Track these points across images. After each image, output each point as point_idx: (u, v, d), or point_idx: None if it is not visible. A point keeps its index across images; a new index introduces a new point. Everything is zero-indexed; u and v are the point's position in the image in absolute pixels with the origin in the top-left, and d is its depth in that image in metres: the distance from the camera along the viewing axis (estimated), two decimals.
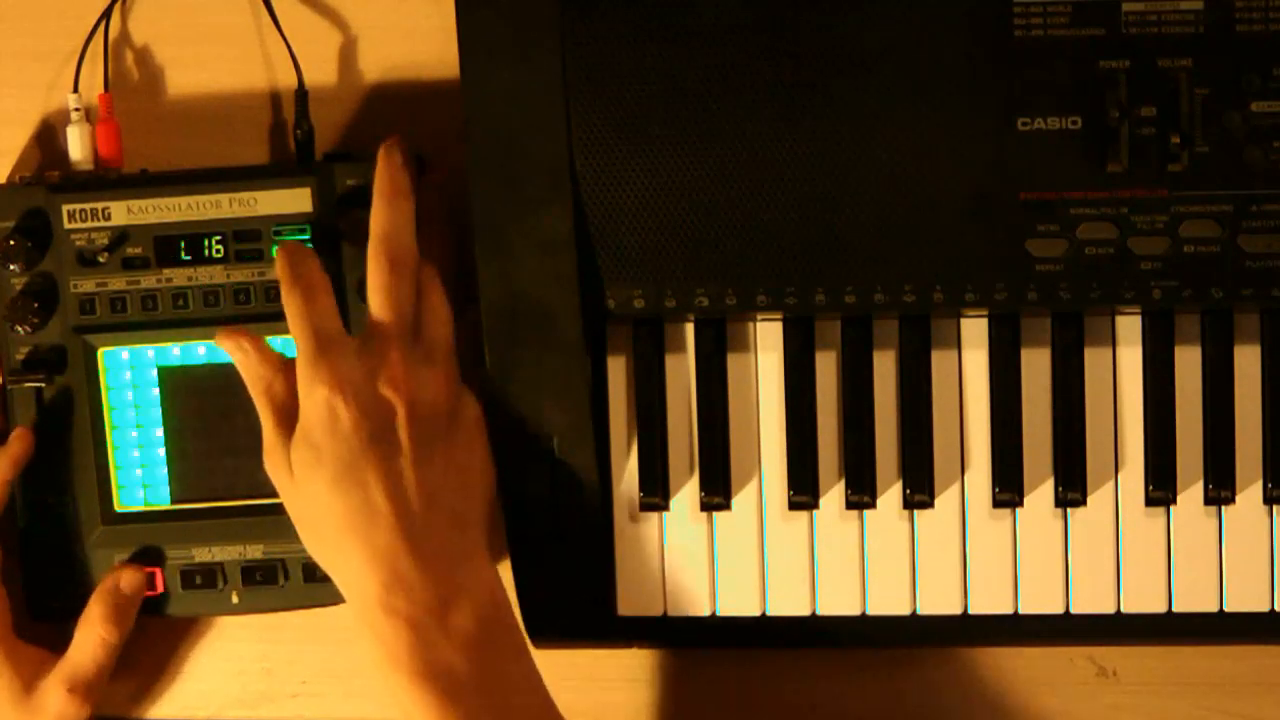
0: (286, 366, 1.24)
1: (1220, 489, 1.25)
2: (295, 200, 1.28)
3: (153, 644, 1.37)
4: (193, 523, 1.31)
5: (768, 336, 1.28)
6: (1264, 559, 1.25)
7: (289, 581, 1.31)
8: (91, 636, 1.29)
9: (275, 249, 1.25)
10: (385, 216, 1.23)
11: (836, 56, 1.22)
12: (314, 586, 1.30)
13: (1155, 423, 1.25)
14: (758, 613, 1.28)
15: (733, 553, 1.28)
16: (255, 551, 1.31)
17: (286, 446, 1.22)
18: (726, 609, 1.28)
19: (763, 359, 1.28)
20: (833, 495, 1.28)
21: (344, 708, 1.37)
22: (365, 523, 1.19)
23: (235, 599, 1.31)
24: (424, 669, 1.18)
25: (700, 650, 1.31)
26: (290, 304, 1.22)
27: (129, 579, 1.30)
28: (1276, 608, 1.25)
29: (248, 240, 1.29)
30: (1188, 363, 1.25)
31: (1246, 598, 1.25)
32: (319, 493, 1.20)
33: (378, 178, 1.24)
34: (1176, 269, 1.23)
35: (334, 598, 1.29)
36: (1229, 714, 1.30)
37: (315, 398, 1.20)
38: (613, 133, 1.24)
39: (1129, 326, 1.26)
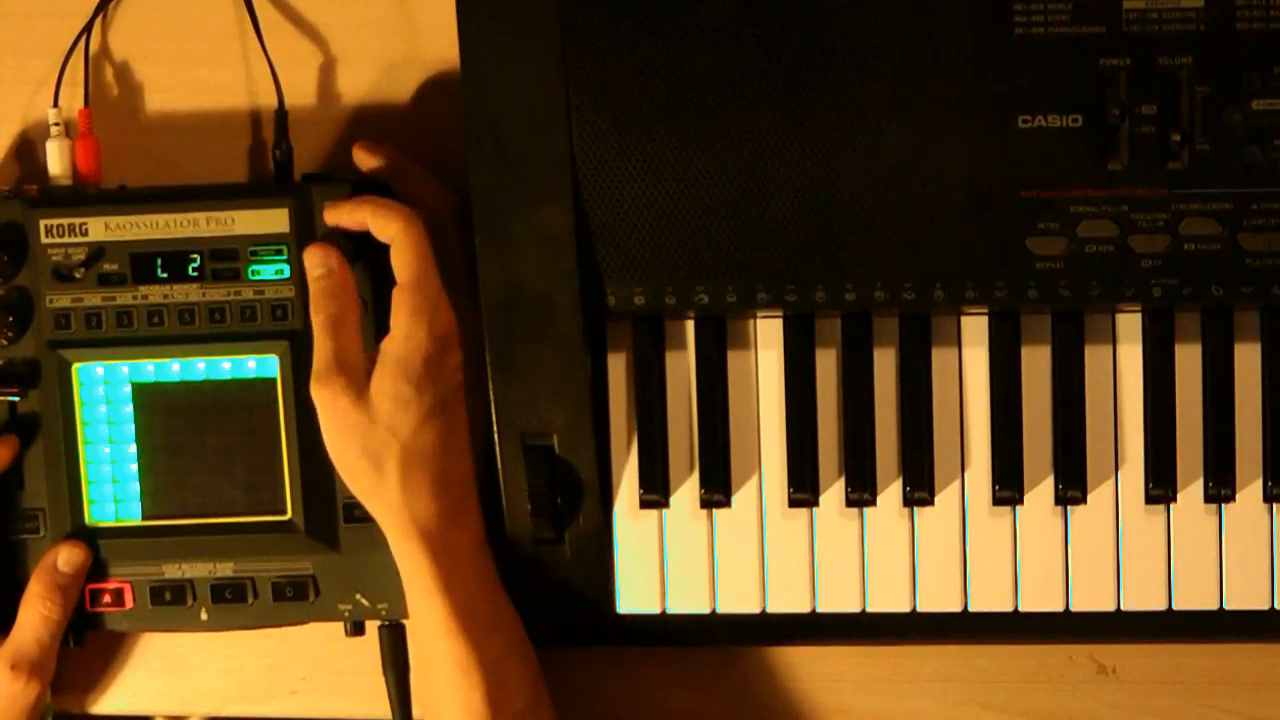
0: (355, 305, 1.25)
1: (1220, 487, 1.25)
2: (272, 220, 1.28)
3: (154, 640, 1.38)
4: (163, 539, 1.31)
5: (768, 334, 1.28)
6: (1264, 557, 1.25)
7: (258, 600, 1.31)
8: (33, 615, 1.29)
9: (307, 248, 1.26)
10: (418, 266, 1.24)
11: (837, 54, 1.23)
12: (283, 605, 1.30)
13: (1155, 420, 1.25)
14: (758, 610, 1.28)
15: (733, 550, 1.28)
16: (225, 569, 1.31)
17: (340, 377, 1.23)
18: (726, 606, 1.28)
19: (763, 356, 1.28)
20: (833, 492, 1.28)
21: (344, 704, 1.37)
22: (454, 452, 1.24)
23: (204, 616, 1.31)
24: (470, 589, 1.25)
25: (700, 647, 1.31)
26: (316, 333, 1.25)
27: (67, 556, 1.30)
28: (1276, 606, 1.25)
29: (224, 259, 1.29)
30: (1188, 361, 1.26)
31: (1246, 596, 1.25)
32: (406, 423, 1.22)
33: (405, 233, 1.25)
34: (1177, 267, 1.23)
35: (301, 616, 1.30)
36: (1229, 712, 1.30)
37: (418, 337, 1.23)
38: (613, 129, 1.24)
39: (1129, 324, 1.26)
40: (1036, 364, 1.26)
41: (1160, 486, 1.25)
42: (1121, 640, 1.29)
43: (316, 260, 1.25)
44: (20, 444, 1.31)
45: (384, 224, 1.24)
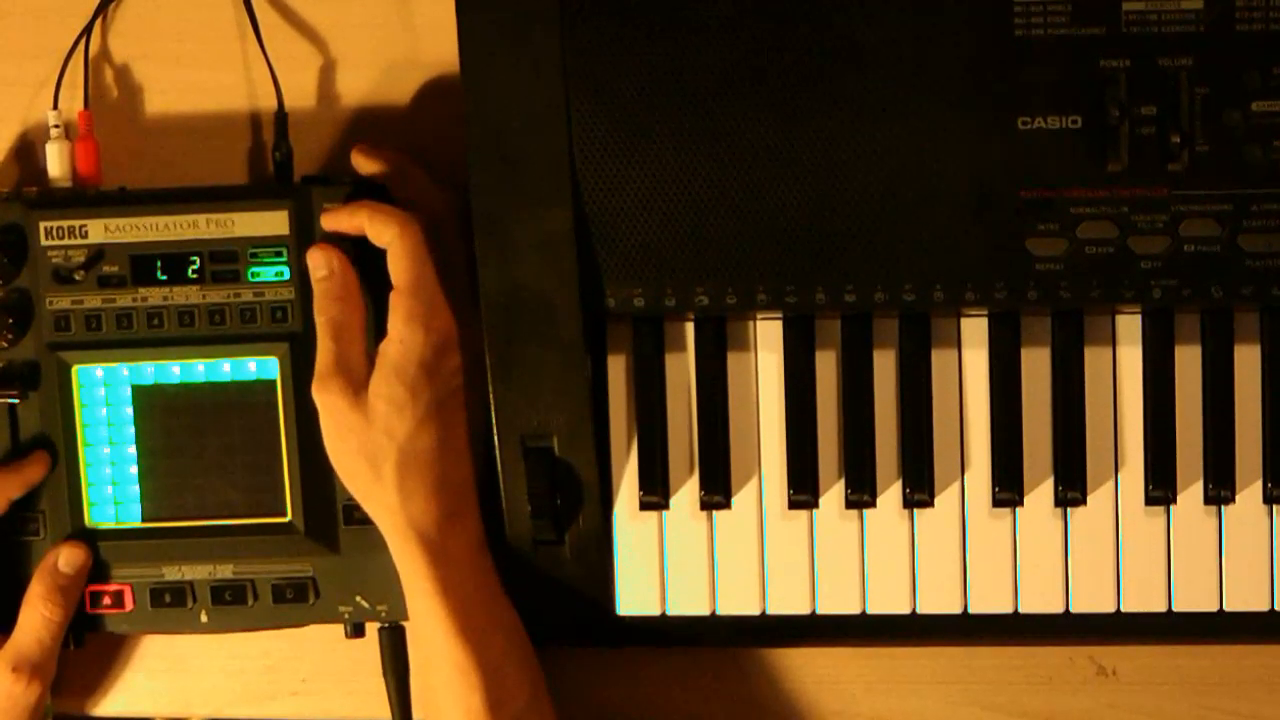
0: (358, 307, 1.25)
1: (1220, 488, 1.25)
2: (272, 222, 1.28)
3: (154, 641, 1.38)
4: (163, 541, 1.31)
5: (768, 335, 1.28)
6: (1264, 558, 1.25)
7: (258, 601, 1.31)
8: (34, 616, 1.30)
9: (309, 250, 1.26)
10: (414, 271, 1.24)
11: (836, 55, 1.22)
12: (283, 607, 1.30)
13: (1155, 422, 1.25)
14: (757, 611, 1.28)
15: (733, 551, 1.28)
16: (225, 571, 1.31)
17: (339, 379, 1.24)
18: (726, 608, 1.28)
19: (763, 358, 1.28)
20: (832, 494, 1.28)
21: (344, 706, 1.37)
22: (452, 454, 1.24)
23: (204, 618, 1.31)
24: (467, 591, 1.25)
25: (700, 649, 1.31)
26: (319, 335, 1.25)
27: (68, 557, 1.30)
28: (1276, 607, 1.25)
29: (224, 261, 1.29)
30: (1187, 362, 1.25)
31: (1246, 597, 1.25)
32: (402, 426, 1.23)
33: (402, 240, 1.24)
34: (1176, 268, 1.23)
35: (301, 618, 1.30)
36: (1229, 713, 1.30)
37: (414, 341, 1.23)
38: (613, 131, 1.24)
39: (1129, 325, 1.26)
40: (1036, 365, 1.26)
41: (1160, 488, 1.25)
42: (1121, 641, 1.29)
43: (319, 262, 1.26)
44: (10, 452, 1.31)
45: (381, 229, 1.24)
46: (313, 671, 1.37)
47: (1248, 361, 1.25)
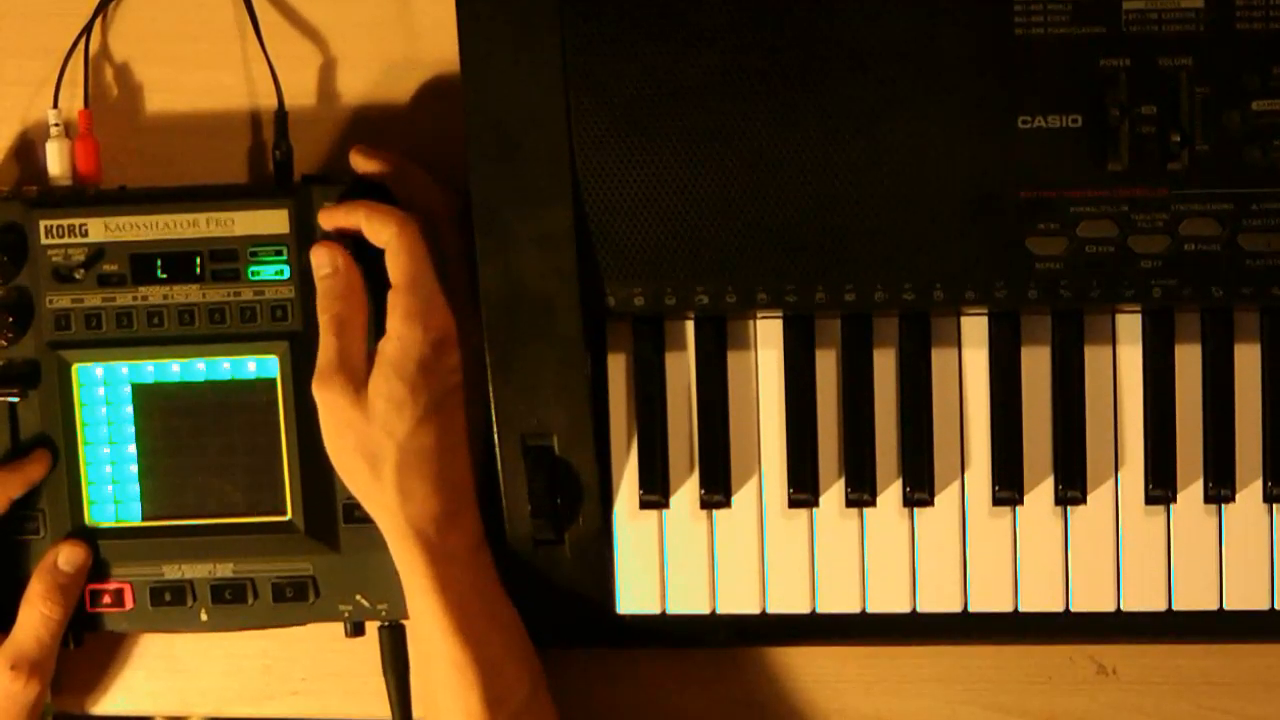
0: (361, 305, 1.25)
1: (1220, 487, 1.25)
2: (273, 221, 1.28)
3: (153, 641, 1.38)
4: (163, 540, 1.31)
5: (768, 334, 1.28)
6: (1264, 557, 1.25)
7: (258, 600, 1.31)
8: (33, 615, 1.30)
9: (313, 247, 1.26)
10: (412, 269, 1.24)
11: (837, 55, 1.23)
12: (283, 606, 1.30)
13: (1155, 421, 1.25)
14: (758, 610, 1.28)
15: (733, 550, 1.28)
16: (225, 570, 1.31)
17: (340, 377, 1.23)
18: (726, 607, 1.28)
19: (763, 357, 1.28)
20: (833, 493, 1.28)
21: (343, 705, 1.37)
22: (451, 453, 1.24)
23: (204, 616, 1.31)
24: (464, 588, 1.25)
25: (700, 648, 1.31)
26: (321, 332, 1.25)
27: (68, 555, 1.30)
28: (1276, 606, 1.25)
29: (224, 260, 1.29)
30: (1188, 361, 1.26)
31: (1246, 596, 1.25)
32: (401, 424, 1.22)
33: (400, 238, 1.24)
34: (1176, 267, 1.23)
35: (301, 617, 1.30)
36: (1229, 713, 1.30)
37: (412, 339, 1.23)
38: (613, 131, 1.24)
39: (1129, 325, 1.26)
40: (1036, 364, 1.26)
41: (1160, 487, 1.25)
42: (1121, 640, 1.29)
43: (323, 259, 1.26)
44: (10, 451, 1.31)
45: (378, 228, 1.24)
46: (312, 670, 1.37)
47: (1248, 361, 1.25)
